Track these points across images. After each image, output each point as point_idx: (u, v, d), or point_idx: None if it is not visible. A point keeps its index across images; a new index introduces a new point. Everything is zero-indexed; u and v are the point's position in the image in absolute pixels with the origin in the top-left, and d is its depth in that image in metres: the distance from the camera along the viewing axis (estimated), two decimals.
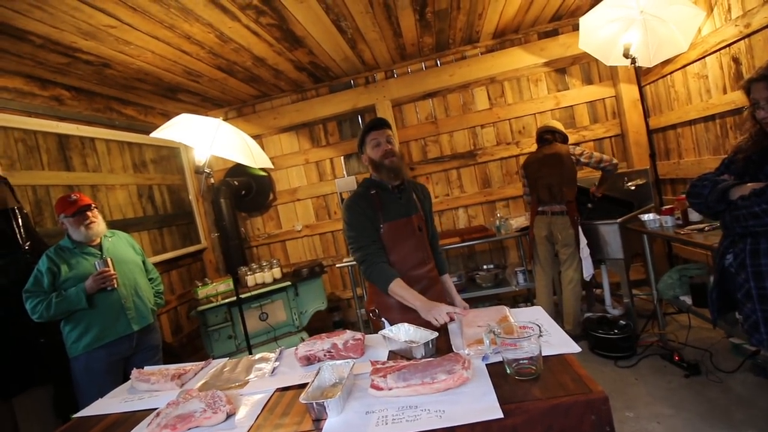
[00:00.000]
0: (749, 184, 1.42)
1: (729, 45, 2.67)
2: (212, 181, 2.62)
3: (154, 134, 2.36)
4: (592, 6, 3.40)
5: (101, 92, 3.33)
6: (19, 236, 2.32)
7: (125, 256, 2.43)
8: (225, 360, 1.66)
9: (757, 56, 2.47)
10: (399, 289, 1.67)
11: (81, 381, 2.24)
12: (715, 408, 2.20)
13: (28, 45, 2.38)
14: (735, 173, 1.55)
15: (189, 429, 1.15)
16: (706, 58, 2.92)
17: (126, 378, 2.22)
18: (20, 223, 2.34)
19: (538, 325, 1.10)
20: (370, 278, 1.76)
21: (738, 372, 2.45)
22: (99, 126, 3.31)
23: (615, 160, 3.19)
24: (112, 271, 2.24)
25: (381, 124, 1.81)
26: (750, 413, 2.11)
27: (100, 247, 2.35)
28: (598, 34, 3.27)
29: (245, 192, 4.46)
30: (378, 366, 1.19)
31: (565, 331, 1.26)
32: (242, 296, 3.05)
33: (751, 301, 1.41)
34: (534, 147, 3.54)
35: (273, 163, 2.96)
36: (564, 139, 3.37)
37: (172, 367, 1.66)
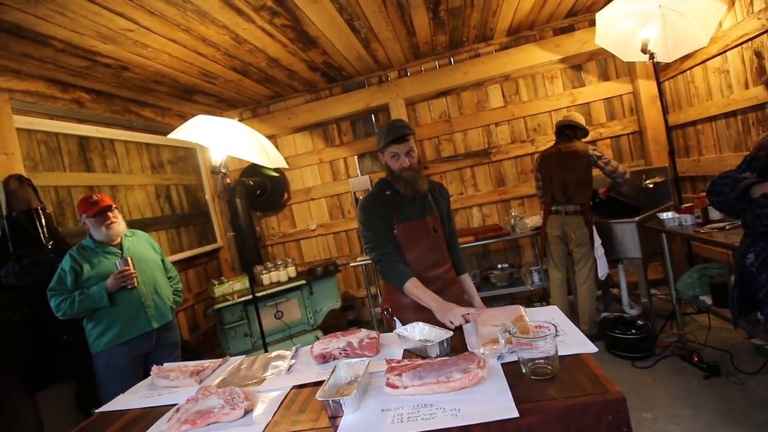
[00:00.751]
0: None
1: (751, 39, 2.60)
2: (228, 181, 2.66)
3: (172, 135, 2.40)
4: (608, 1, 3.34)
5: (120, 95, 3.41)
6: (42, 236, 2.40)
7: (145, 255, 2.49)
8: (242, 357, 1.69)
9: None
10: (414, 289, 1.67)
11: (103, 377, 2.30)
12: (735, 410, 2.15)
13: (49, 49, 2.45)
14: (757, 171, 1.51)
15: (208, 424, 1.17)
16: (728, 53, 2.84)
17: (146, 374, 2.28)
18: (43, 223, 2.42)
19: (554, 325, 1.09)
20: (385, 277, 1.77)
21: (760, 373, 2.39)
22: (118, 128, 3.39)
23: (628, 175, 3.14)
24: (132, 270, 2.30)
25: (404, 137, 1.72)
26: None
27: (120, 246, 2.40)
28: (615, 30, 3.22)
29: (260, 192, 4.51)
30: (393, 364, 1.20)
31: (581, 331, 1.25)
32: (258, 294, 3.09)
33: None
34: (550, 143, 3.49)
35: (287, 163, 3.00)
36: (584, 134, 3.32)
37: (191, 364, 1.69)
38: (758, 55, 2.59)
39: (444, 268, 1.87)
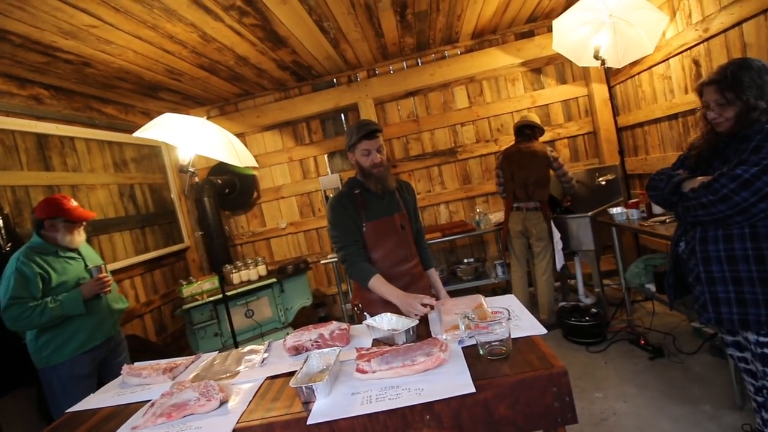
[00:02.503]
0: (699, 178, 1.55)
1: (690, 48, 2.83)
2: (196, 179, 2.66)
3: (138, 134, 2.37)
4: (565, 8, 3.54)
5: (81, 91, 3.31)
6: (0, 237, 2.32)
7: (98, 261, 2.45)
8: (215, 353, 1.72)
9: (715, 59, 2.63)
10: (378, 285, 1.74)
11: (65, 388, 2.17)
12: (675, 386, 2.37)
13: (6, 44, 2.37)
14: (688, 168, 1.68)
15: (184, 416, 1.21)
16: (670, 60, 3.09)
17: (101, 379, 2.25)
18: (0, 225, 2.34)
19: (507, 310, 1.20)
20: (351, 276, 1.85)
21: (697, 353, 2.63)
22: (79, 125, 3.29)
23: (575, 181, 3.46)
24: (109, 277, 2.27)
25: (374, 133, 1.79)
26: (707, 390, 2.29)
27: (78, 252, 2.34)
28: (571, 36, 3.41)
29: (229, 190, 4.47)
30: (363, 352, 1.28)
31: (541, 320, 1.36)
32: (228, 294, 3.09)
33: (700, 284, 1.55)
34: (512, 142, 3.66)
35: (257, 162, 3.01)
36: (541, 133, 3.53)
37: (163, 362, 1.71)
38: (696, 63, 2.83)
39: (411, 263, 1.95)
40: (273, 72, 3.90)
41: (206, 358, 1.71)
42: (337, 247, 1.86)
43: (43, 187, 2.90)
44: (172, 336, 3.97)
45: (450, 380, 1.08)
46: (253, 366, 1.50)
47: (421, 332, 1.47)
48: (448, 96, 4.45)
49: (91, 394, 1.58)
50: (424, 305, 1.59)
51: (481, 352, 1.18)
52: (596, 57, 3.27)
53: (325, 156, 4.61)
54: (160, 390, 1.38)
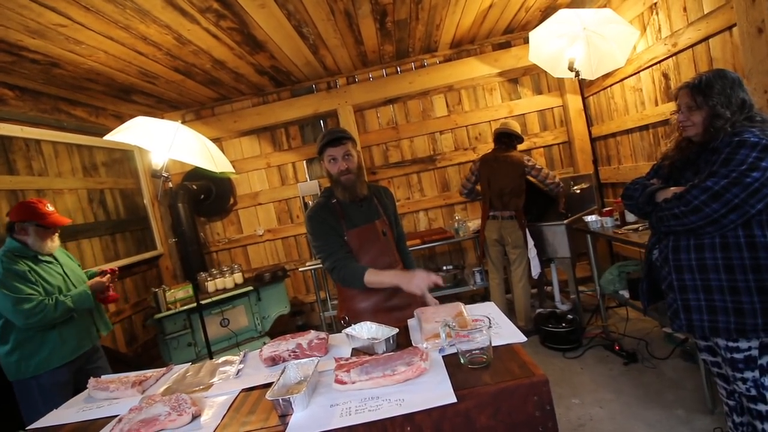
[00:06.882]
0: (672, 188, 1.60)
1: (659, 62, 2.94)
2: (170, 185, 2.58)
3: (109, 137, 2.29)
4: (541, 21, 3.63)
5: (48, 92, 3.18)
6: None
7: (76, 267, 2.41)
8: (187, 365, 1.66)
9: (683, 72, 2.74)
10: (374, 277, 1.69)
11: (47, 397, 2.10)
12: (649, 391, 2.43)
13: None
14: (662, 178, 1.73)
15: None
16: (641, 73, 3.19)
17: (78, 389, 2.16)
18: None
19: (488, 318, 1.20)
20: (344, 281, 1.77)
21: (669, 358, 2.70)
22: (46, 127, 3.15)
23: (558, 180, 3.47)
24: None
25: (338, 140, 1.76)
26: (679, 394, 2.35)
27: (54, 257, 2.29)
28: (546, 48, 3.49)
29: (204, 196, 4.37)
30: (342, 362, 1.25)
31: (518, 327, 1.37)
32: (202, 302, 3.00)
33: (672, 292, 1.59)
34: (489, 149, 3.70)
35: (234, 167, 2.94)
36: (520, 141, 3.58)
37: (132, 375, 1.63)
38: (665, 76, 2.93)
39: (396, 270, 1.93)
40: (251, 77, 3.85)
41: (178, 369, 1.64)
42: (323, 257, 1.80)
43: (7, 192, 2.76)
44: (144, 346, 3.82)
45: (431, 390, 1.06)
46: (228, 378, 1.45)
47: (401, 341, 1.45)
48: (427, 104, 4.49)
49: (55, 410, 1.49)
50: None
51: (462, 361, 1.17)
52: (571, 69, 3.35)
53: (304, 162, 4.57)
54: (128, 404, 1.31)
